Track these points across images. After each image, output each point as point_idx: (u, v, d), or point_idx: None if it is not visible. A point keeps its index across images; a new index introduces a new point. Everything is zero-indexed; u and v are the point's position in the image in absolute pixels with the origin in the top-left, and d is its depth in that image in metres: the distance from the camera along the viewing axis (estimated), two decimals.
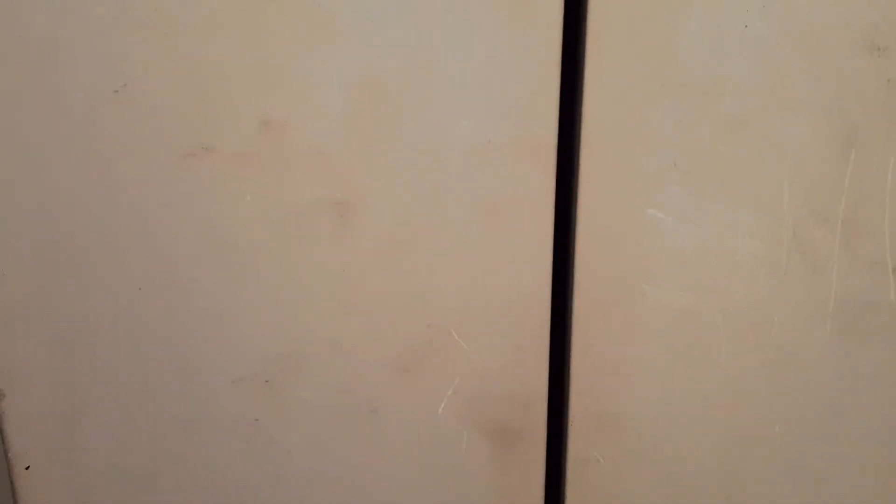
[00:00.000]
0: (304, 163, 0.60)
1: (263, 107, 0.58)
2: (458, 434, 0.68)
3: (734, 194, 0.62)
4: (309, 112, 0.59)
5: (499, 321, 0.65)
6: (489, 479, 0.70)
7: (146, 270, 0.62)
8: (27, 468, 0.68)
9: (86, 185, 0.60)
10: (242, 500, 0.70)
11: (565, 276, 0.66)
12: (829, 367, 0.67)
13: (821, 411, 0.68)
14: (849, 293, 0.65)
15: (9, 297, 0.64)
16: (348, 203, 0.61)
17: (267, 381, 0.66)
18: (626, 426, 0.69)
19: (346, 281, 0.63)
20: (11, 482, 0.69)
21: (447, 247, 0.63)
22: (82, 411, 0.67)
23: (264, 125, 0.59)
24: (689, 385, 0.67)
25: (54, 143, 0.59)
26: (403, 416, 0.68)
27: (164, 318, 0.64)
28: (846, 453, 0.69)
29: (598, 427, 0.69)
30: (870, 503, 0.71)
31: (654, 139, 0.61)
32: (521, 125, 0.60)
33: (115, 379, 0.66)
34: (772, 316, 0.66)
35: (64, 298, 0.64)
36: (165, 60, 0.57)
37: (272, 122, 0.59)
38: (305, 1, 0.56)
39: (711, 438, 0.69)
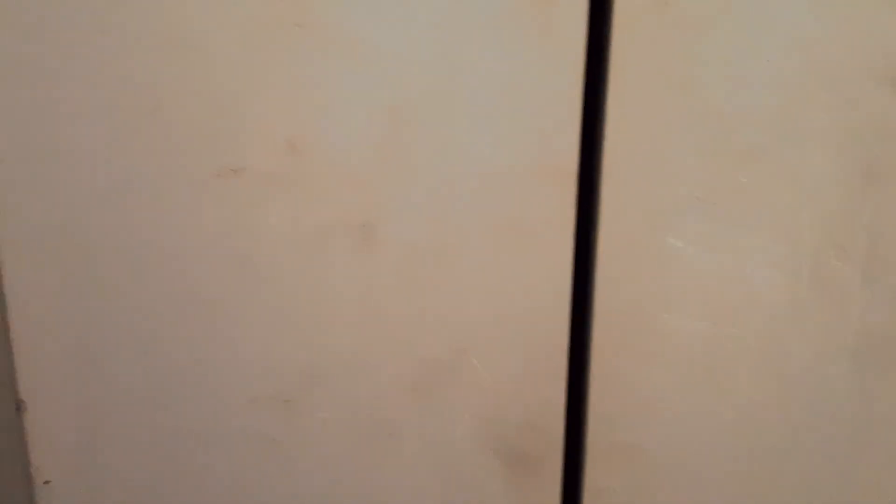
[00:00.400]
0: (328, 184, 0.61)
1: (291, 129, 0.60)
2: (475, 459, 0.68)
3: (754, 225, 0.63)
4: (335, 134, 0.60)
5: (517, 346, 0.66)
6: None
7: (170, 287, 0.64)
8: (46, 482, 0.69)
9: (114, 203, 0.62)
10: None
11: (585, 303, 0.66)
12: (848, 400, 0.66)
13: (840, 445, 0.67)
14: (869, 327, 0.65)
15: (33, 311, 0.65)
16: (371, 224, 0.62)
17: (286, 401, 0.67)
18: (644, 456, 0.68)
19: (366, 302, 0.64)
20: (31, 496, 0.69)
21: (467, 270, 0.63)
22: (102, 426, 0.68)
23: (291, 147, 0.60)
24: (707, 416, 0.67)
25: (86, 161, 0.60)
26: (420, 439, 0.68)
27: (185, 334, 0.65)
28: (866, 487, 0.68)
29: (615, 456, 0.68)
30: None
31: (674, 168, 0.61)
32: (544, 152, 0.61)
33: (136, 395, 0.67)
34: (791, 347, 0.66)
35: (87, 313, 0.65)
36: (197, 82, 0.59)
37: (299, 143, 0.60)
38: (334, 27, 0.58)
39: (729, 470, 0.68)
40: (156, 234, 0.62)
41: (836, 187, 0.62)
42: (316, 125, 0.60)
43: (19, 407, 0.67)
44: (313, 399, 0.67)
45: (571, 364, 0.67)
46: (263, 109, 0.59)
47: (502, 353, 0.66)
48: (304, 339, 0.65)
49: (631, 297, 0.64)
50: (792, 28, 0.59)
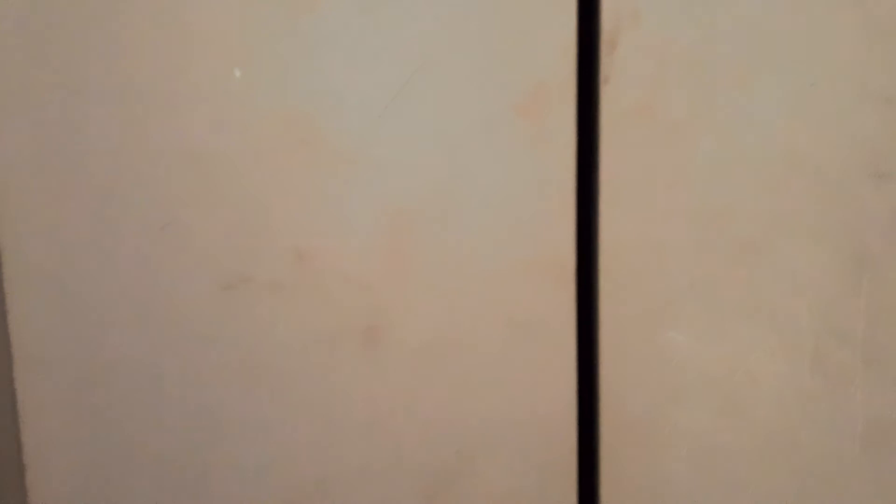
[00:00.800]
0: (334, 290, 0.63)
1: (298, 238, 0.62)
2: None
3: (753, 316, 0.64)
4: (340, 241, 0.62)
5: (526, 448, 0.66)
6: None
7: (178, 398, 0.64)
8: None
9: (125, 318, 0.63)
10: None
11: (592, 400, 0.67)
12: (862, 489, 0.65)
13: None
14: (876, 413, 0.65)
15: (45, 428, 0.65)
16: (376, 329, 0.63)
17: None
18: None
19: (374, 407, 0.64)
20: None
21: (472, 373, 0.64)
22: None
23: (298, 255, 0.62)
24: None
25: (103, 275, 0.62)
26: None
27: (193, 445, 0.65)
28: None
29: None
30: None
31: (670, 262, 0.63)
32: (542, 252, 0.63)
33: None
34: (800, 438, 0.65)
35: (97, 424, 0.65)
36: (209, 198, 0.61)
37: (305, 252, 0.62)
38: (337, 141, 0.61)
39: None
40: (165, 344, 0.64)
41: (831, 276, 0.63)
42: (322, 233, 0.62)
43: None
44: None
45: (581, 465, 0.67)
46: (271, 221, 0.62)
47: (511, 455, 0.65)
48: (312, 448, 0.65)
49: (637, 392, 0.65)
50: (775, 127, 0.61)
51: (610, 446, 0.65)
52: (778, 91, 0.61)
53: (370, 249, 0.62)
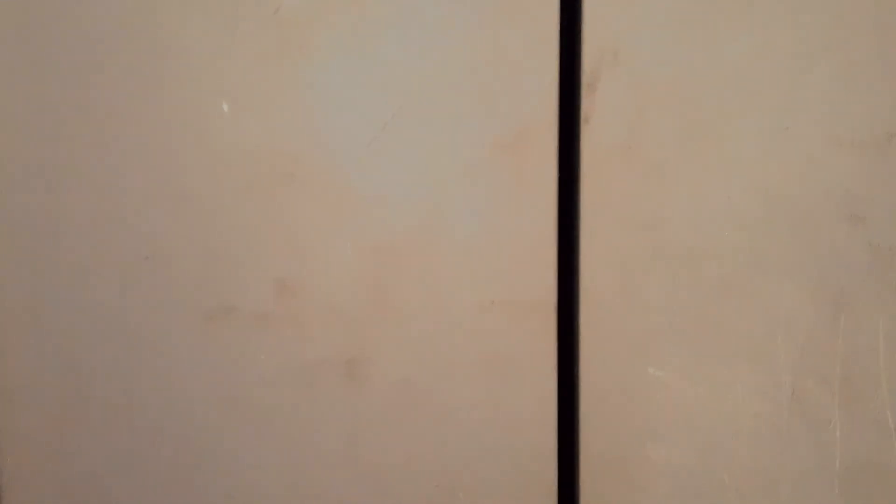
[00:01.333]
0: (316, 322, 0.63)
1: (281, 270, 0.63)
2: None
3: (731, 354, 0.64)
4: (323, 274, 0.63)
5: (506, 483, 0.66)
6: None
7: (160, 428, 0.64)
8: None
9: (109, 348, 0.63)
10: None
11: (572, 436, 0.67)
12: None
13: None
14: (853, 453, 0.65)
15: (25, 451, 0.65)
16: (358, 361, 0.64)
17: None
18: None
19: (354, 440, 0.65)
20: None
21: (454, 406, 0.65)
22: None
23: (281, 287, 0.63)
24: None
25: (88, 305, 0.63)
26: None
27: (176, 476, 0.65)
28: None
29: None
30: None
31: (649, 300, 0.64)
32: (522, 288, 0.63)
33: None
34: (779, 477, 0.66)
35: (86, 456, 0.65)
36: (193, 229, 0.62)
37: (288, 284, 0.63)
38: (322, 175, 0.62)
39: None
40: (148, 375, 0.64)
41: (808, 317, 0.64)
42: (305, 266, 0.63)
43: None
44: None
45: (561, 500, 0.67)
46: (254, 253, 0.63)
47: (491, 492, 0.65)
48: (291, 480, 0.65)
49: (617, 427, 0.65)
50: (752, 168, 0.63)
51: (590, 483, 0.66)
52: (754, 133, 0.63)
53: (352, 283, 0.63)
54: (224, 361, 0.63)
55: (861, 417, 0.65)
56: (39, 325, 0.63)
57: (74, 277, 0.63)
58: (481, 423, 0.65)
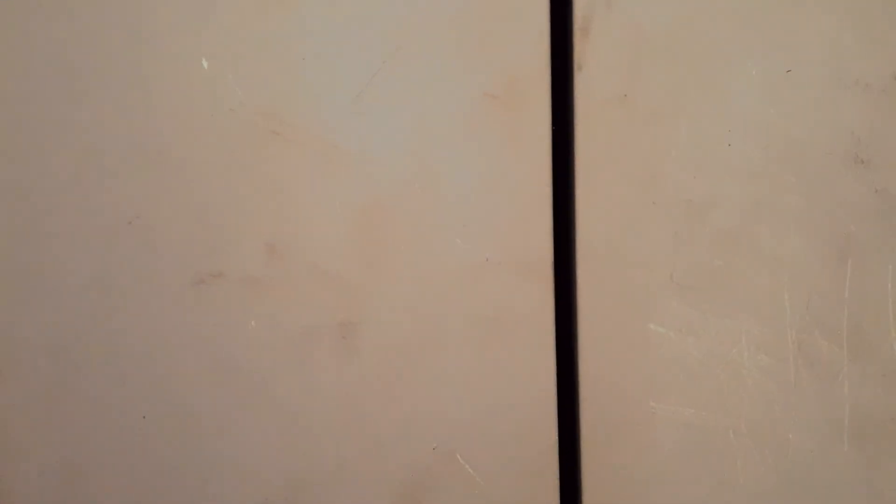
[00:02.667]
0: (307, 286, 0.62)
1: (269, 233, 0.61)
2: None
3: (735, 307, 0.63)
4: (313, 237, 0.61)
5: (505, 445, 0.64)
6: None
7: (152, 398, 0.63)
8: None
9: (94, 312, 0.62)
10: None
11: (572, 395, 0.65)
12: (850, 484, 0.64)
13: None
14: (863, 407, 0.64)
15: (14, 423, 0.64)
16: (351, 324, 0.62)
17: None
18: None
19: (349, 404, 0.63)
20: None
21: (450, 367, 0.63)
22: None
23: (270, 250, 0.61)
24: None
25: (71, 272, 0.61)
26: None
27: (165, 444, 0.64)
28: None
29: None
30: None
31: (649, 254, 0.62)
32: (518, 245, 0.62)
33: None
34: (786, 433, 0.64)
35: (70, 426, 0.64)
36: (177, 192, 0.60)
37: (277, 247, 0.61)
38: (309, 132, 0.60)
39: None
40: (139, 345, 0.62)
41: (814, 266, 0.62)
42: (294, 228, 0.61)
43: None
44: None
45: (562, 461, 0.65)
46: (241, 215, 0.61)
47: (490, 451, 0.64)
48: (287, 446, 0.64)
49: (618, 386, 0.64)
50: (751, 113, 0.61)
51: (591, 441, 0.64)
52: (754, 78, 0.61)
53: (344, 244, 0.61)
54: (213, 327, 0.62)
55: (870, 369, 0.63)
56: (20, 293, 0.62)
57: (55, 244, 0.61)
58: (478, 383, 0.63)
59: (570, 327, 0.64)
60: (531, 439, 0.64)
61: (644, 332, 0.63)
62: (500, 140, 0.61)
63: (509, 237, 0.62)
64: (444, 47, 0.60)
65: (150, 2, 0.59)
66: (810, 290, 0.62)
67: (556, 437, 0.64)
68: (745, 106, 0.61)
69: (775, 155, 0.61)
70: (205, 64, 0.59)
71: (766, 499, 0.64)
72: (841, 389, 0.63)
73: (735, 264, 0.62)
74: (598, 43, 0.60)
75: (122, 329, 0.62)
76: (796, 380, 0.63)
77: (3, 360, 0.63)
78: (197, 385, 0.63)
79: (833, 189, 0.61)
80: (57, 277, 0.62)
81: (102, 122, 0.60)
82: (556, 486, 0.65)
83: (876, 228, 0.62)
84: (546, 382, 0.64)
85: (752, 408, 0.64)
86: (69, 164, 0.60)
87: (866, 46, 0.60)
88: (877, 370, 0.63)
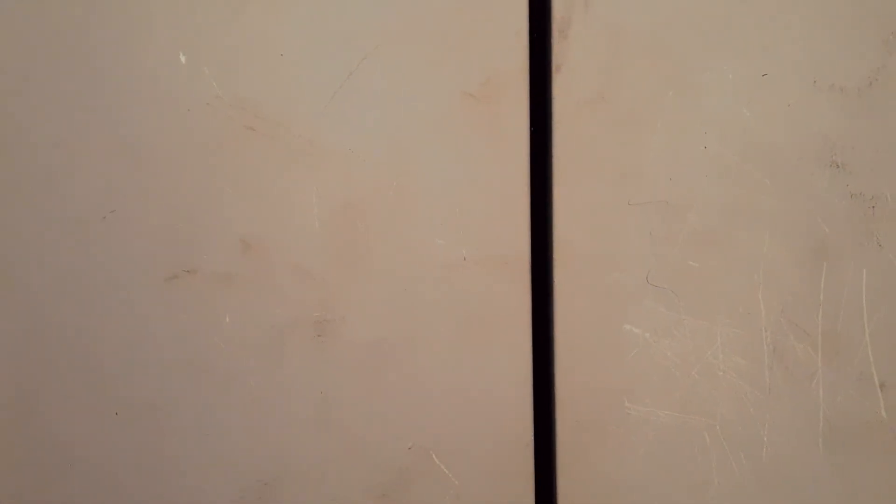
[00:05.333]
0: (283, 282, 0.61)
1: (244, 228, 0.61)
2: None
3: (710, 309, 0.63)
4: (289, 233, 0.61)
5: (481, 443, 0.64)
6: None
7: (125, 394, 0.63)
8: None
9: (70, 308, 0.62)
10: None
11: (548, 395, 0.65)
12: (824, 488, 0.64)
13: None
14: (837, 410, 0.64)
15: None
16: (327, 321, 0.62)
17: None
18: None
19: (324, 402, 0.63)
20: None
21: (426, 366, 0.63)
22: None
23: (246, 246, 0.61)
24: None
25: (43, 267, 0.61)
26: None
27: (141, 443, 0.63)
28: None
29: None
30: None
31: (625, 255, 0.62)
32: (496, 243, 0.62)
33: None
34: (761, 434, 0.64)
35: (42, 423, 0.63)
36: (151, 187, 0.60)
37: (253, 243, 0.61)
38: (285, 128, 0.60)
39: None
40: (109, 338, 0.62)
41: (789, 268, 0.63)
42: (269, 224, 0.61)
43: None
44: None
45: (538, 460, 0.65)
46: (216, 210, 0.60)
47: (466, 451, 0.64)
48: (262, 444, 0.63)
49: (593, 386, 0.64)
50: (727, 116, 0.61)
51: (566, 441, 0.64)
52: (731, 81, 0.61)
53: (320, 241, 0.61)
54: (187, 323, 0.61)
55: (845, 372, 0.64)
56: None
57: (30, 238, 0.61)
58: (454, 381, 0.63)
59: (547, 327, 0.64)
60: (507, 439, 0.64)
61: (620, 333, 0.63)
62: (478, 139, 0.61)
63: (487, 236, 0.62)
64: (423, 46, 0.60)
65: None
66: (785, 292, 0.63)
67: (532, 437, 0.64)
68: (722, 108, 0.61)
69: (751, 157, 0.61)
70: (182, 58, 0.59)
71: (740, 500, 0.64)
72: (815, 392, 0.64)
73: (710, 266, 0.63)
74: (577, 44, 0.60)
75: (94, 324, 0.62)
76: (771, 382, 0.64)
77: None
78: (170, 381, 0.62)
79: (808, 192, 0.62)
80: (29, 272, 0.61)
81: (77, 116, 0.59)
82: (532, 485, 0.65)
83: (850, 232, 0.62)
84: (522, 382, 0.63)
85: (727, 409, 0.64)
86: (43, 158, 0.60)
87: (842, 51, 0.61)
88: (851, 373, 0.63)
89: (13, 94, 0.59)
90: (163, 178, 0.60)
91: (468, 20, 0.60)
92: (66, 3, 0.59)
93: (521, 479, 0.64)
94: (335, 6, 0.59)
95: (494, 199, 0.61)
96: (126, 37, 0.59)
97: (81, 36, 0.59)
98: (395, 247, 0.62)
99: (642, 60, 0.61)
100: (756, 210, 0.62)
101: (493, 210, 0.61)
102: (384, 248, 0.62)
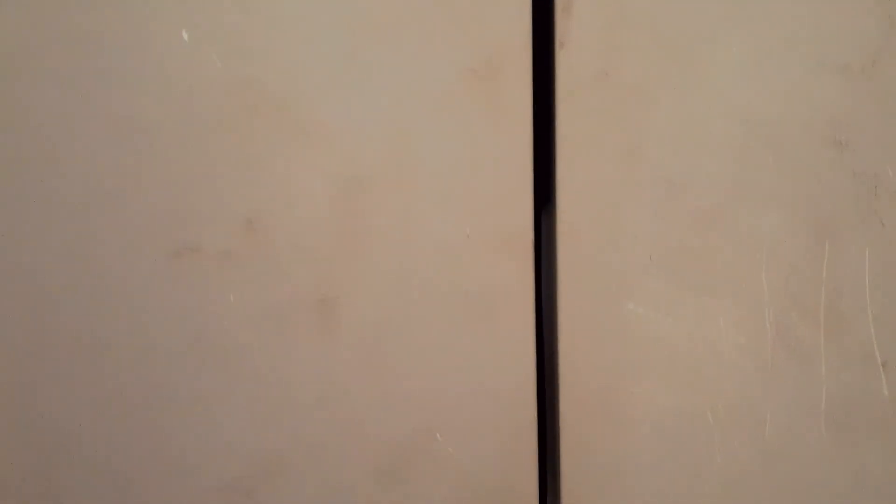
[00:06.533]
0: (286, 261, 0.61)
1: (247, 206, 0.60)
2: None
3: (712, 287, 0.63)
4: (291, 211, 0.61)
5: (485, 423, 0.64)
6: None
7: (126, 373, 0.62)
8: None
9: (73, 285, 0.61)
10: None
11: (552, 374, 0.65)
12: (827, 467, 0.64)
13: None
14: (840, 389, 0.64)
15: None
16: (330, 300, 0.62)
17: (248, 492, 0.64)
18: None
19: (327, 382, 0.63)
20: None
21: (429, 345, 0.63)
22: None
23: (249, 225, 0.60)
24: (684, 487, 0.65)
25: (46, 244, 0.60)
26: None
27: (142, 422, 0.63)
28: None
29: None
30: None
31: (628, 234, 0.62)
32: (499, 222, 0.61)
33: (92, 485, 0.64)
34: (764, 414, 0.64)
35: (44, 401, 0.63)
36: (154, 165, 0.60)
37: (255, 221, 0.60)
38: (287, 105, 0.60)
39: None
40: (110, 316, 0.62)
41: (791, 247, 0.63)
42: (272, 202, 0.60)
43: None
44: (276, 488, 0.64)
45: (541, 440, 0.65)
46: (220, 189, 0.60)
47: (470, 429, 0.64)
48: (265, 424, 0.63)
49: (596, 365, 0.64)
50: (733, 94, 0.61)
51: (570, 421, 0.64)
52: (735, 57, 0.61)
53: (322, 219, 0.61)
54: (190, 302, 0.61)
55: (847, 350, 0.64)
56: None
57: (30, 216, 0.60)
58: (458, 361, 0.63)
59: (551, 306, 0.64)
60: (510, 418, 0.64)
61: (623, 312, 0.63)
62: (481, 117, 0.60)
63: (490, 214, 0.61)
64: (426, 22, 0.59)
65: None
66: (788, 271, 0.63)
67: (535, 416, 0.64)
68: (726, 85, 0.61)
69: (755, 135, 0.61)
70: (185, 35, 0.59)
71: (742, 480, 0.65)
72: (818, 370, 0.64)
73: (714, 244, 0.63)
74: (581, 20, 0.60)
75: (95, 302, 0.61)
76: (773, 361, 0.64)
77: None
78: (172, 360, 0.62)
79: (812, 170, 0.62)
80: (29, 250, 0.61)
81: (78, 93, 0.59)
82: (535, 465, 0.65)
83: (854, 210, 0.62)
84: (526, 361, 0.63)
85: (730, 389, 0.64)
86: (44, 137, 0.60)
87: (847, 28, 0.61)
88: (853, 351, 0.64)
89: (13, 71, 0.59)
90: (165, 156, 0.60)
91: None
92: None
93: (525, 458, 0.64)
94: None
95: (498, 177, 0.61)
96: (128, 14, 0.58)
97: (82, 13, 0.58)
98: (397, 225, 0.61)
99: (646, 37, 0.60)
100: (759, 188, 0.62)
101: (497, 188, 0.61)
102: (387, 226, 0.61)
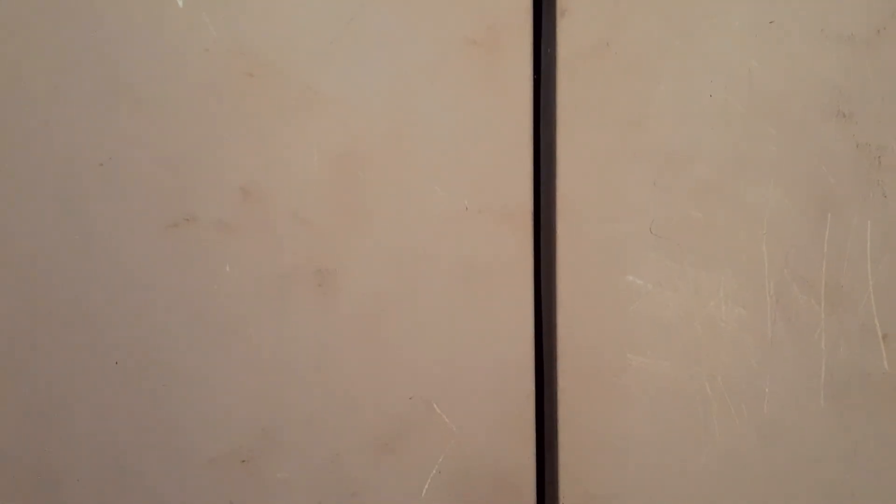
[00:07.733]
0: (283, 231, 0.61)
1: (244, 177, 0.60)
2: None
3: (712, 260, 0.62)
4: (289, 181, 0.60)
5: (482, 393, 0.64)
6: None
7: (124, 343, 0.62)
8: None
9: (68, 256, 0.61)
10: None
11: (550, 346, 0.65)
12: (825, 441, 0.64)
13: (819, 486, 0.65)
14: (840, 362, 0.64)
15: None
16: (328, 271, 0.61)
17: (243, 461, 0.64)
18: None
19: (325, 353, 0.63)
20: None
21: (427, 316, 0.63)
22: (58, 484, 0.65)
23: (245, 195, 0.60)
24: (681, 460, 0.65)
25: (40, 214, 0.60)
26: (385, 498, 0.65)
27: (140, 391, 0.63)
28: None
29: None
30: None
31: (628, 205, 0.62)
32: (498, 194, 0.61)
33: (90, 455, 0.64)
34: (763, 386, 0.64)
35: (41, 372, 0.63)
36: (149, 134, 0.59)
37: (252, 191, 0.60)
38: (285, 76, 0.59)
39: None
40: (111, 290, 0.61)
41: (792, 219, 0.62)
42: (269, 173, 0.60)
43: None
44: (272, 458, 0.64)
45: (539, 411, 0.65)
46: (216, 158, 0.60)
47: (467, 401, 0.64)
48: (262, 393, 0.63)
49: (595, 337, 0.63)
50: (733, 64, 0.60)
51: (568, 392, 0.64)
52: (737, 28, 0.60)
53: (320, 189, 0.61)
54: (188, 272, 0.61)
55: (848, 324, 0.63)
56: None
57: (24, 187, 0.60)
58: (456, 331, 0.63)
59: (549, 277, 0.64)
60: (508, 389, 0.64)
61: (622, 284, 0.63)
62: (480, 87, 0.60)
63: (489, 185, 0.61)
64: None
65: None
66: (789, 243, 0.62)
67: (534, 387, 0.64)
68: (728, 57, 0.60)
69: (756, 106, 0.61)
70: (180, 2, 0.58)
71: (740, 451, 0.65)
72: (818, 343, 0.64)
73: (714, 216, 0.62)
74: None
75: (92, 273, 0.61)
76: (773, 333, 0.63)
77: None
78: (170, 330, 0.62)
79: (814, 142, 0.61)
80: (25, 219, 0.61)
81: (74, 61, 0.58)
82: (533, 435, 0.65)
83: (856, 183, 0.62)
84: (524, 333, 0.63)
85: (729, 361, 0.64)
86: (39, 106, 0.59)
87: None
88: (854, 324, 0.63)
89: (8, 40, 0.58)
90: (161, 124, 0.59)
91: None
92: None
93: (522, 430, 0.64)
94: None
95: (497, 148, 0.61)
96: None
97: None
98: (395, 196, 0.61)
99: (648, 7, 0.60)
100: (761, 160, 0.61)
101: (496, 159, 0.61)
102: (385, 196, 0.61)
